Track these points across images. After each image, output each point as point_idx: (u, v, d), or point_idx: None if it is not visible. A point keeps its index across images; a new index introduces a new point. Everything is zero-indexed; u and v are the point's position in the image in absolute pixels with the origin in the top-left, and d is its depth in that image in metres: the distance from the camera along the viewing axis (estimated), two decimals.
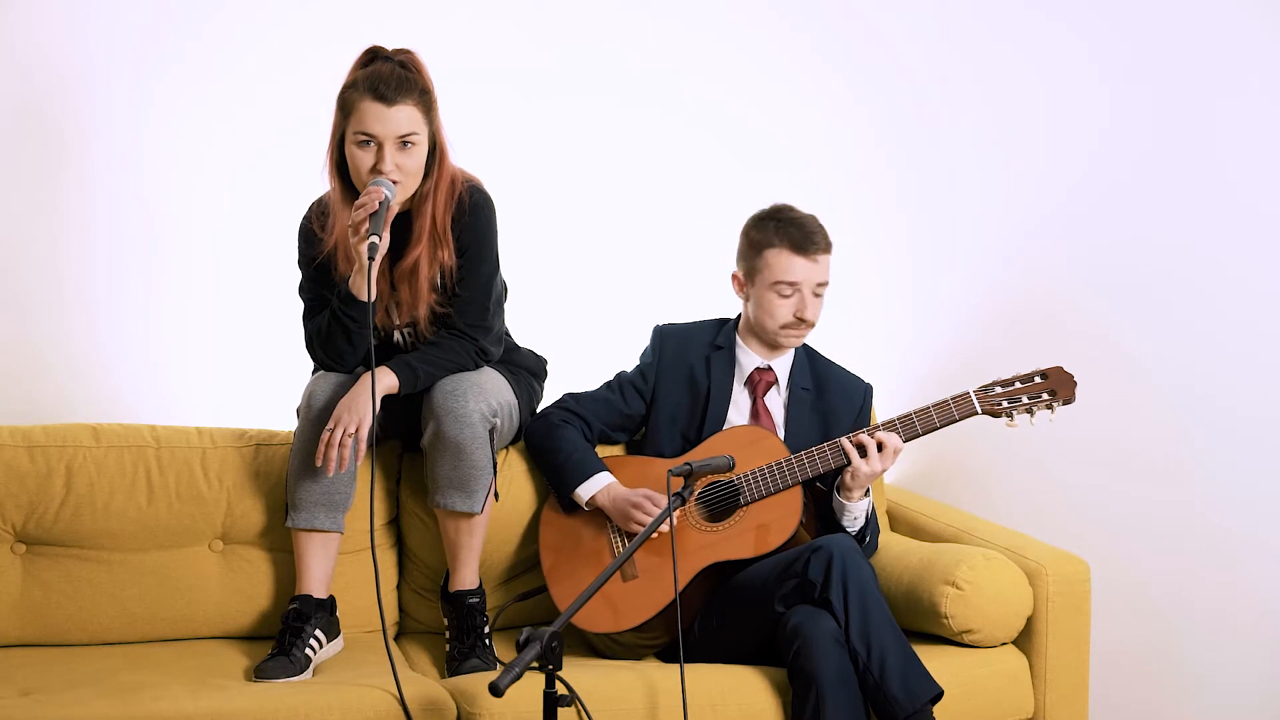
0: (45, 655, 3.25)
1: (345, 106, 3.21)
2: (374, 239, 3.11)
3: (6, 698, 2.95)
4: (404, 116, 3.18)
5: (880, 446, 3.31)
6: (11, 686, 3.03)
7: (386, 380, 3.25)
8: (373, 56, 3.24)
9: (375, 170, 3.19)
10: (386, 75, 3.18)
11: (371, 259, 3.11)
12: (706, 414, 3.51)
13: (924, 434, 3.36)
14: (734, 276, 3.53)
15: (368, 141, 3.19)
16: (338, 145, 3.25)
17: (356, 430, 3.19)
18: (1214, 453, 3.67)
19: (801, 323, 3.45)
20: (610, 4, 4.25)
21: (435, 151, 3.26)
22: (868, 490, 3.38)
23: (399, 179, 3.20)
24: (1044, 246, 3.98)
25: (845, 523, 3.38)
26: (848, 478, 3.33)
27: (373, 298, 3.18)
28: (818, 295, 3.46)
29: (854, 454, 3.32)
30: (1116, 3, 3.83)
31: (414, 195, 3.29)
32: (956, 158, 4.16)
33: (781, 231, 3.43)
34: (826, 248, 3.45)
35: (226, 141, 4.03)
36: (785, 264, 3.42)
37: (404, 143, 3.19)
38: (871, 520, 3.43)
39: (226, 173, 4.04)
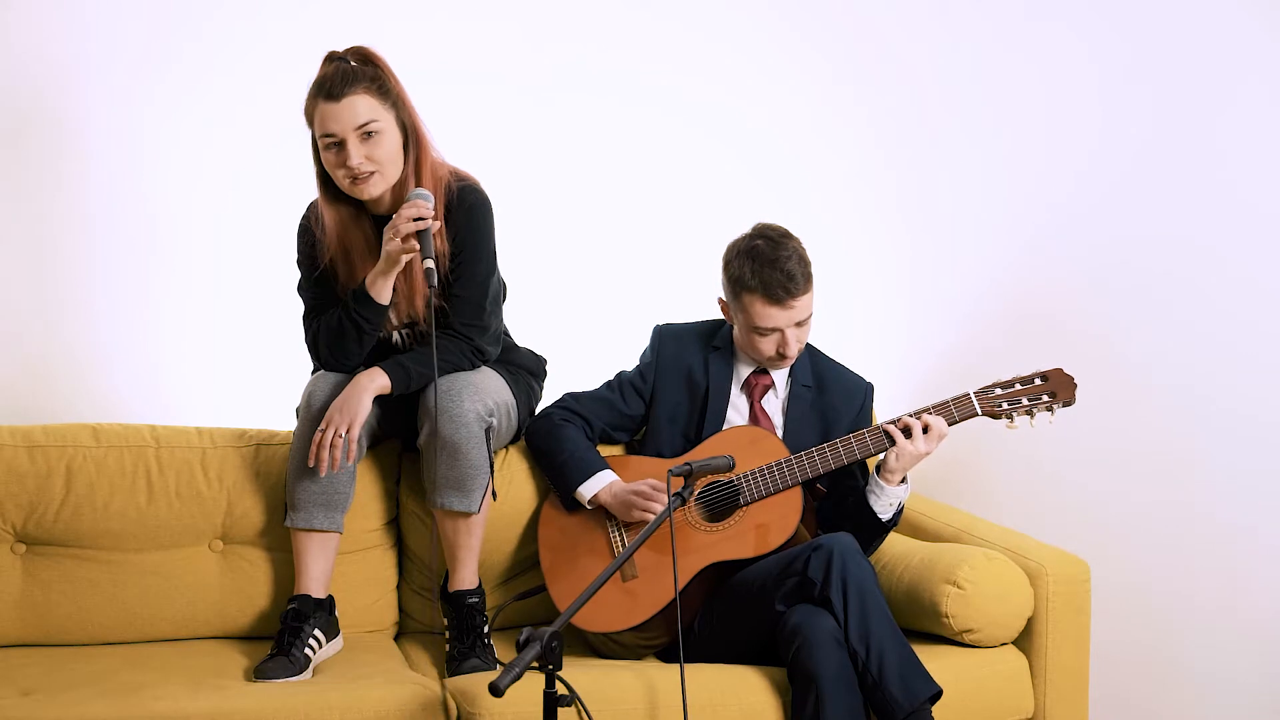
0: (45, 655, 3.25)
1: (308, 117, 3.25)
2: (429, 264, 3.12)
3: (6, 698, 2.96)
4: (357, 107, 3.19)
5: (926, 429, 3.30)
6: (11, 686, 3.03)
7: (379, 380, 3.26)
8: (327, 61, 3.26)
9: (345, 167, 3.20)
10: (331, 74, 3.21)
11: (432, 286, 3.13)
12: (706, 413, 3.51)
13: None
14: (720, 302, 3.52)
15: (331, 143, 3.21)
16: (316, 156, 3.27)
17: (348, 430, 3.20)
18: (1214, 453, 3.67)
19: (783, 358, 3.44)
20: (610, 4, 4.25)
21: (411, 138, 3.26)
22: (905, 479, 3.36)
23: (372, 169, 3.20)
24: (1044, 246, 3.98)
25: (878, 509, 3.33)
26: (891, 459, 3.31)
27: (386, 299, 3.21)
28: (800, 326, 3.42)
29: (899, 435, 3.30)
30: (1116, 3, 3.84)
31: (399, 184, 3.28)
32: (956, 157, 4.16)
33: (758, 276, 3.36)
34: (805, 288, 3.38)
35: (226, 141, 4.03)
36: (762, 313, 3.38)
37: (366, 133, 3.20)
38: (900, 512, 3.40)
39: (226, 172, 4.04)
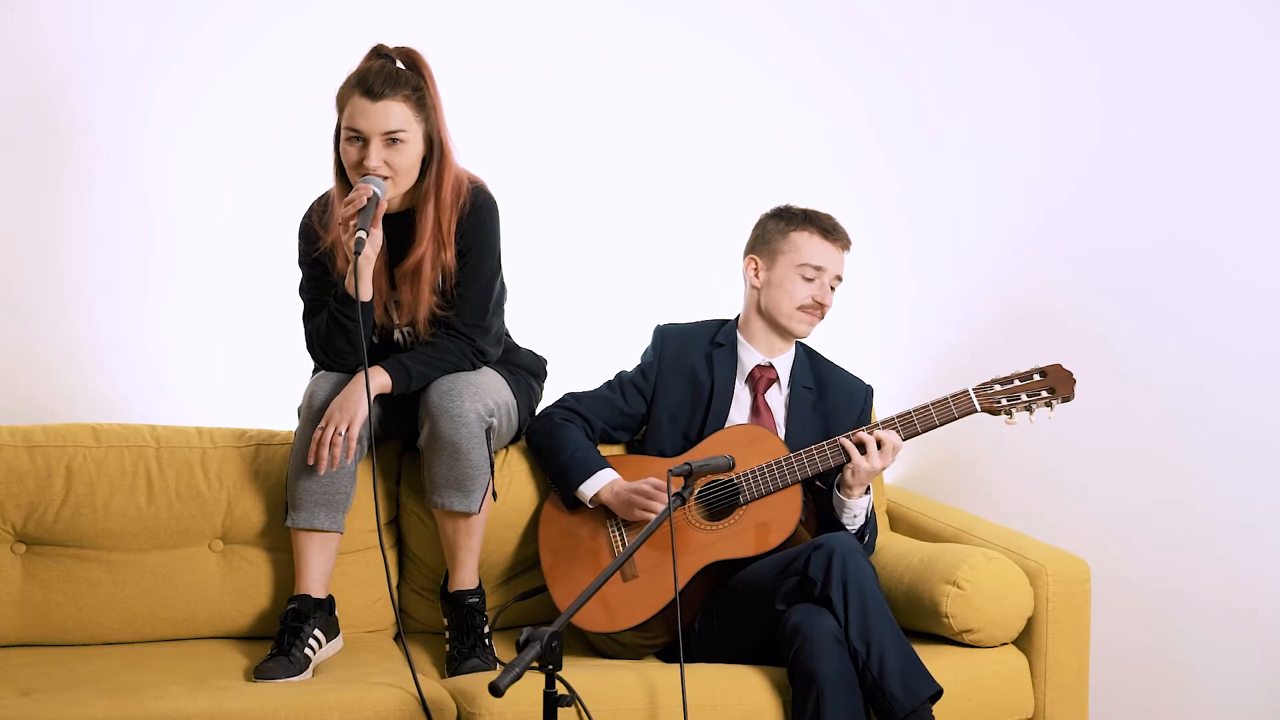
0: (45, 655, 3.25)
1: (339, 103, 3.23)
2: (361, 234, 3.11)
3: (6, 698, 2.95)
4: (391, 113, 3.18)
5: (880, 444, 3.32)
6: (11, 686, 3.03)
7: (380, 379, 3.26)
8: (374, 55, 3.25)
9: (361, 166, 3.19)
10: (376, 71, 3.19)
11: (358, 253, 3.12)
12: (709, 411, 3.52)
13: (923, 432, 3.37)
14: (750, 259, 3.56)
15: (355, 137, 3.20)
16: (336, 143, 3.25)
17: (348, 429, 3.20)
18: (1214, 452, 3.67)
19: (819, 306, 3.49)
20: (610, 4, 4.25)
21: (435, 151, 3.25)
22: (868, 489, 3.38)
23: (387, 175, 3.20)
24: (1044, 246, 3.98)
25: (845, 520, 3.38)
26: (848, 475, 3.34)
27: (366, 296, 3.19)
28: (833, 288, 3.54)
29: (854, 451, 3.32)
30: (1116, 3, 3.84)
31: (414, 194, 3.29)
32: (956, 157, 4.17)
33: (811, 218, 3.53)
34: (848, 244, 3.56)
35: (226, 141, 4.03)
36: (814, 247, 3.50)
37: (391, 139, 3.19)
38: (871, 519, 3.43)
39: (226, 172, 4.05)
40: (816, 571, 3.13)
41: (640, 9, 4.27)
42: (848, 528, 3.38)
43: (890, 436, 3.33)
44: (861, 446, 3.33)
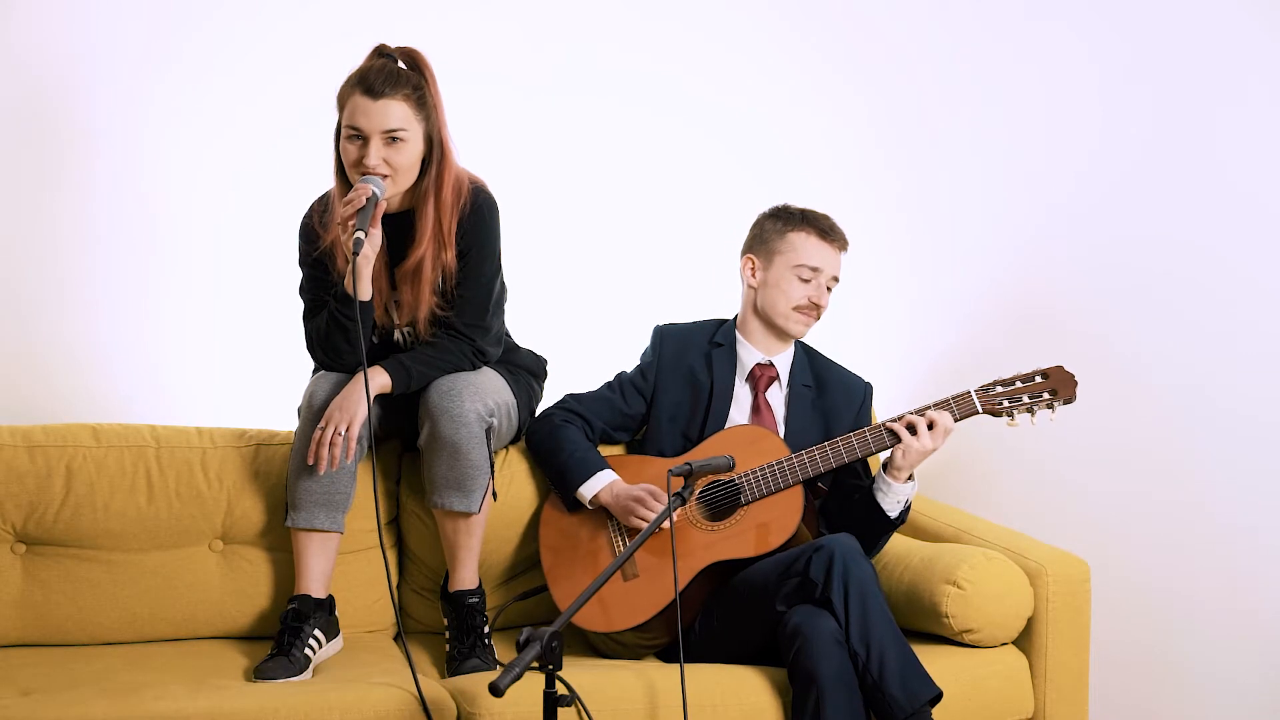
0: (45, 655, 3.25)
1: (340, 102, 3.23)
2: (359, 235, 3.11)
3: (6, 698, 2.95)
4: (391, 111, 3.18)
5: (932, 425, 3.31)
6: (11, 686, 3.03)
7: (380, 379, 3.26)
8: (376, 54, 3.25)
9: (360, 164, 3.19)
10: (377, 70, 3.20)
11: (356, 254, 3.12)
12: (709, 411, 3.52)
13: None
14: (747, 259, 3.56)
15: (355, 135, 3.20)
16: (337, 143, 3.26)
17: (347, 429, 3.20)
18: (1214, 453, 3.67)
19: (815, 307, 3.49)
20: (610, 4, 4.25)
21: (436, 151, 3.26)
22: (911, 475, 3.37)
23: (387, 174, 3.20)
24: (1044, 246, 3.98)
25: (886, 506, 3.35)
26: (898, 456, 3.32)
27: (365, 296, 3.19)
28: (829, 289, 3.53)
29: (905, 434, 3.31)
30: (1116, 3, 3.84)
31: (415, 194, 3.29)
32: (956, 157, 4.17)
33: (809, 219, 3.53)
34: (845, 245, 3.55)
35: (226, 141, 4.03)
36: (812, 248, 3.50)
37: (392, 138, 3.19)
38: (908, 509, 3.42)
39: (227, 172, 4.04)
40: (817, 573, 3.12)
41: (640, 9, 4.27)
42: (888, 514, 3.36)
43: (943, 417, 3.31)
44: (912, 428, 3.32)
